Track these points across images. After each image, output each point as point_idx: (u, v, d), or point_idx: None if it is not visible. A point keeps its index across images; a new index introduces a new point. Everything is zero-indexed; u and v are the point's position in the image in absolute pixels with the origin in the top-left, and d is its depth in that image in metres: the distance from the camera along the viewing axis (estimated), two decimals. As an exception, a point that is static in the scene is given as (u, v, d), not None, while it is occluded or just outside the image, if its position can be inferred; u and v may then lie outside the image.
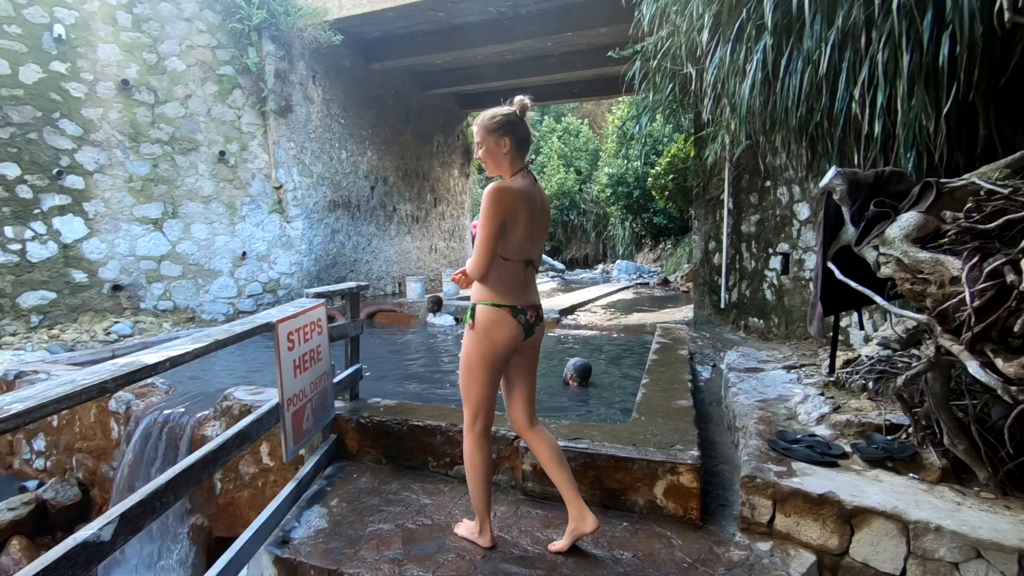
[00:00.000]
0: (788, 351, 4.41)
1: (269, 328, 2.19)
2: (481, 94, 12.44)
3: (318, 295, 2.77)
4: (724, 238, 5.56)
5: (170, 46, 7.16)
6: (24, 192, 6.10)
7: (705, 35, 3.91)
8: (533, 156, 27.30)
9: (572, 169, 22.92)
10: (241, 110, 7.72)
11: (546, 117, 27.58)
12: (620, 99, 18.72)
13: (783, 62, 3.41)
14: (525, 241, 2.05)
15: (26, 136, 6.12)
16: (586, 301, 8.15)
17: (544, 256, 17.16)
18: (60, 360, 4.48)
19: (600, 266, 19.19)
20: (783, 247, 4.89)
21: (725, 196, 5.53)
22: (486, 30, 8.57)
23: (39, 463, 3.96)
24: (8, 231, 5.98)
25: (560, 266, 17.07)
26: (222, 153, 7.50)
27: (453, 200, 13.28)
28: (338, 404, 3.00)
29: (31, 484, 3.81)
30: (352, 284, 3.09)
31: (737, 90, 3.68)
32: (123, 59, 6.80)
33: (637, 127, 6.08)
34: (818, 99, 3.34)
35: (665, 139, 15.70)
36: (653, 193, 12.33)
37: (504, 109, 2.10)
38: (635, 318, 6.84)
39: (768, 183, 5.04)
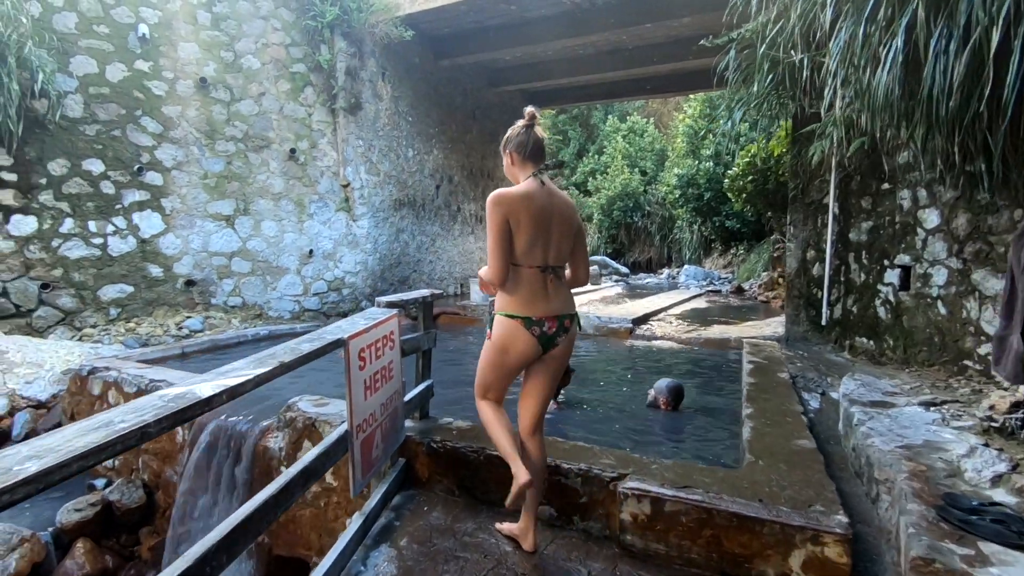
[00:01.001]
0: (910, 379, 3.81)
1: (340, 345, 1.92)
2: (550, 91, 12.10)
3: (390, 304, 2.49)
4: (827, 247, 4.96)
5: (246, 44, 7.21)
6: (107, 188, 6.25)
7: (828, 13, 3.39)
8: (596, 155, 26.81)
9: (637, 169, 22.19)
10: (312, 108, 7.70)
11: (611, 116, 26.92)
12: (692, 97, 17.90)
13: (931, 42, 2.87)
14: (534, 245, 2.03)
15: (111, 133, 6.27)
16: (659, 310, 7.65)
17: (607, 259, 16.60)
18: (132, 356, 4.47)
19: (665, 271, 18.42)
20: (903, 259, 4.27)
21: (830, 200, 4.93)
22: (558, 23, 8.21)
23: (108, 461, 3.92)
24: (92, 225, 6.14)
25: (624, 270, 16.47)
26: (292, 151, 7.50)
27: (517, 200, 13.01)
28: (407, 424, 2.73)
29: (99, 483, 3.76)
30: (426, 292, 2.80)
31: (869, 76, 3.15)
32: (202, 57, 6.88)
33: (728, 123, 5.54)
34: (976, 85, 2.78)
35: (742, 138, 14.84)
36: (728, 195, 11.58)
37: (511, 131, 2.19)
38: (716, 331, 6.30)
39: (886, 185, 4.42)
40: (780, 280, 10.01)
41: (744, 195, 10.81)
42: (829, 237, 4.93)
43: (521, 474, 1.92)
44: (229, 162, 7.06)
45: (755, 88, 4.84)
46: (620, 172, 21.34)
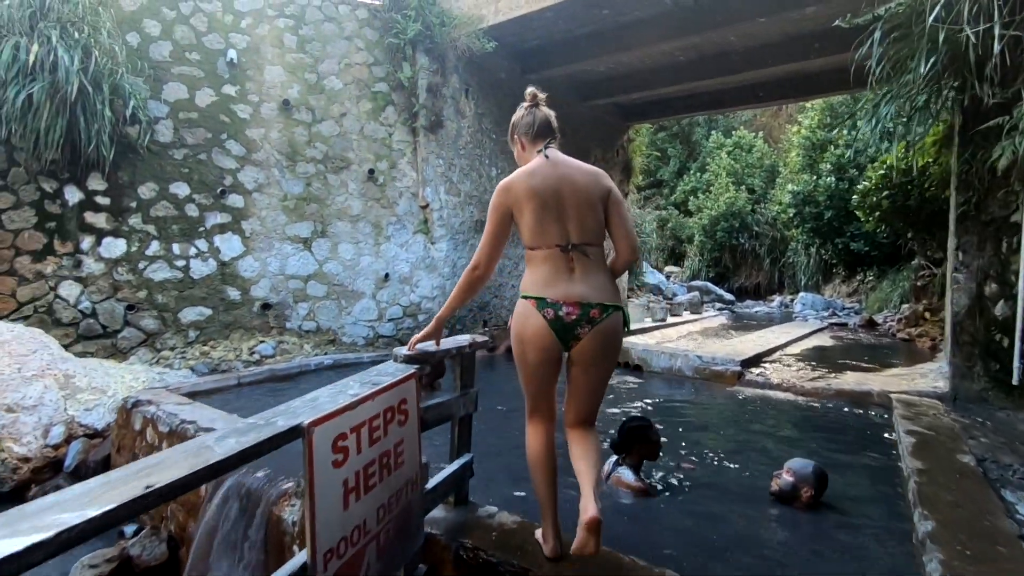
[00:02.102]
0: None
1: (297, 435, 1.30)
2: (646, 103, 11.23)
3: (410, 360, 1.85)
4: (1020, 280, 3.72)
5: (329, 65, 7.12)
6: (191, 210, 6.29)
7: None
8: (698, 173, 25.12)
9: (743, 187, 20.48)
10: (393, 127, 7.46)
11: (714, 132, 25.30)
12: (809, 105, 16.15)
13: None
14: (544, 223, 1.86)
15: (197, 157, 6.33)
16: (773, 348, 6.48)
17: (709, 285, 15.20)
18: (183, 388, 4.23)
19: (777, 298, 16.59)
20: None
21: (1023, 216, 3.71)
22: (657, 26, 7.42)
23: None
24: (176, 248, 6.18)
25: (729, 297, 14.97)
26: (371, 171, 7.27)
27: (609, 221, 12.14)
28: (435, 514, 2.06)
29: (129, 529, 3.45)
30: (466, 340, 2.15)
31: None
32: (287, 80, 6.85)
33: (870, 123, 4.45)
34: None
35: (870, 149, 13.01)
36: (857, 213, 10.00)
37: (518, 110, 2.12)
38: (850, 379, 5.10)
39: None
40: (927, 315, 8.34)
41: (878, 213, 9.24)
42: (1022, 266, 3.70)
43: (549, 545, 1.75)
44: (308, 184, 6.94)
45: (911, 75, 3.77)
46: (724, 190, 19.77)
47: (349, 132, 7.17)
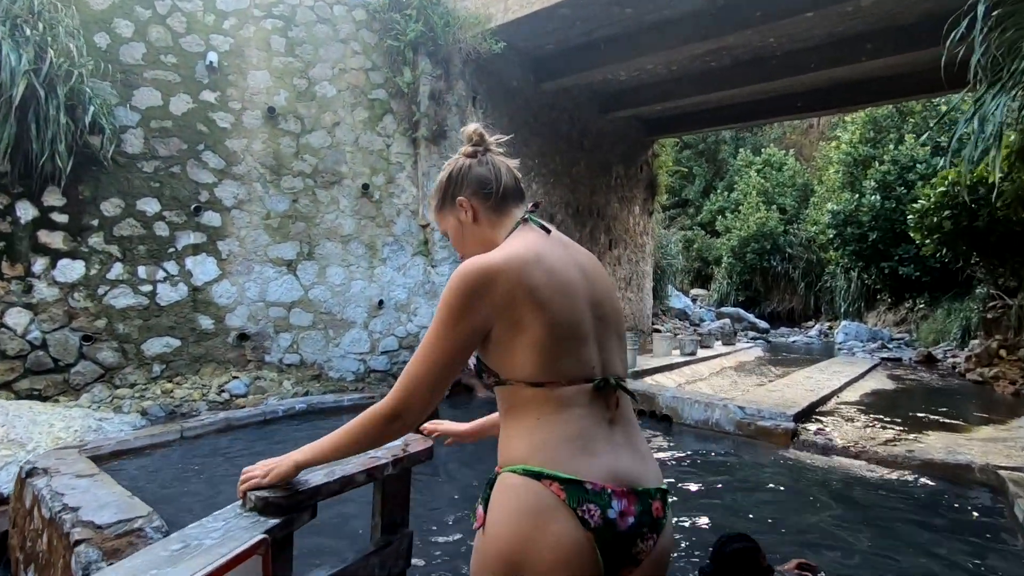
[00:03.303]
0: None
1: None
2: (672, 116, 10.39)
3: (269, 507, 1.01)
4: None
5: (322, 70, 6.46)
6: (161, 229, 5.61)
7: None
8: (726, 192, 24.02)
9: (775, 207, 19.40)
10: (391, 138, 6.75)
11: (742, 149, 24.31)
12: (848, 119, 15.13)
13: None
14: (561, 342, 1.00)
15: (170, 170, 5.67)
16: (827, 395, 5.48)
17: (741, 311, 14.11)
18: (104, 447, 3.44)
19: (816, 326, 15.39)
20: None
21: None
22: (685, 25, 6.62)
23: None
24: (142, 271, 5.49)
25: (763, 325, 13.85)
26: (366, 187, 6.54)
27: (632, 242, 11.28)
28: None
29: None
30: (384, 457, 1.28)
31: None
32: (273, 85, 6.20)
33: (970, 123, 3.54)
34: None
35: (919, 165, 11.94)
36: (912, 235, 8.94)
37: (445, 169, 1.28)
38: (935, 443, 4.10)
39: None
40: (1003, 352, 7.23)
41: (938, 236, 8.19)
42: None
43: None
44: (295, 200, 6.23)
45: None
46: (755, 210, 18.72)
47: (342, 143, 6.47)
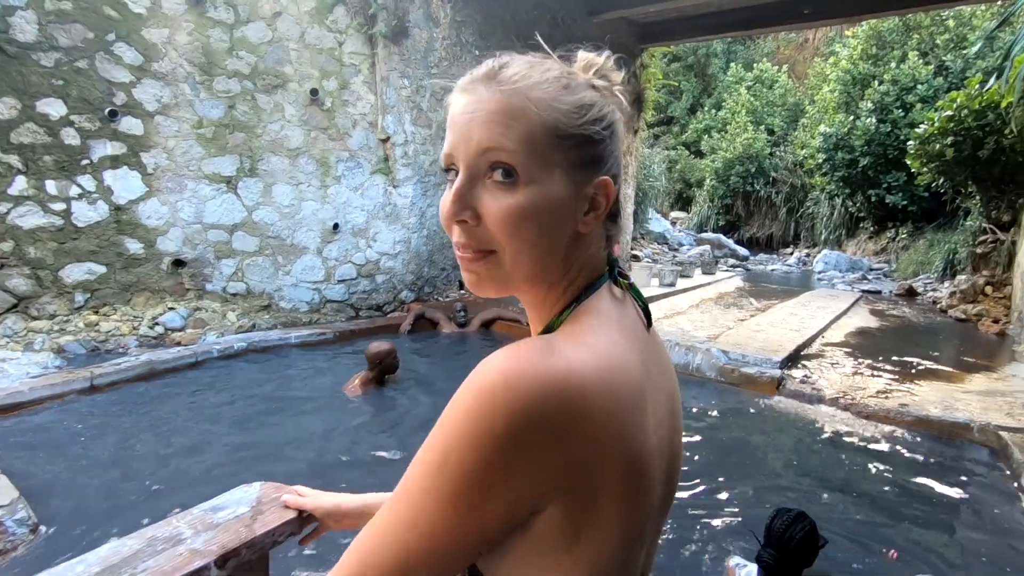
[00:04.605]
0: None
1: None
2: (666, 21, 9.40)
3: None
4: None
5: (257, -55, 5.40)
6: (70, 137, 4.79)
7: None
8: (713, 110, 22.95)
9: (763, 127, 18.59)
10: (343, 34, 5.81)
11: (733, 64, 23.00)
12: (849, 33, 14.13)
13: None
14: (629, 550, 0.53)
15: (74, 64, 4.76)
16: (812, 336, 5.17)
17: (722, 237, 13.75)
18: (-12, 400, 2.91)
19: (794, 253, 15.19)
20: None
21: None
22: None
23: None
24: (51, 186, 4.73)
25: (743, 252, 13.55)
26: (315, 92, 5.70)
27: (614, 162, 10.55)
28: None
29: None
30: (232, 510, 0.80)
31: None
32: (196, -38, 5.16)
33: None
34: None
35: (920, 86, 11.23)
36: (909, 163, 8.44)
37: (575, 71, 0.60)
38: (927, 394, 3.83)
39: None
40: (988, 289, 7.01)
41: (937, 163, 7.71)
42: None
43: None
44: (231, 106, 5.39)
45: None
46: (743, 130, 17.93)
47: (285, 39, 5.54)
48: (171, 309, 5.14)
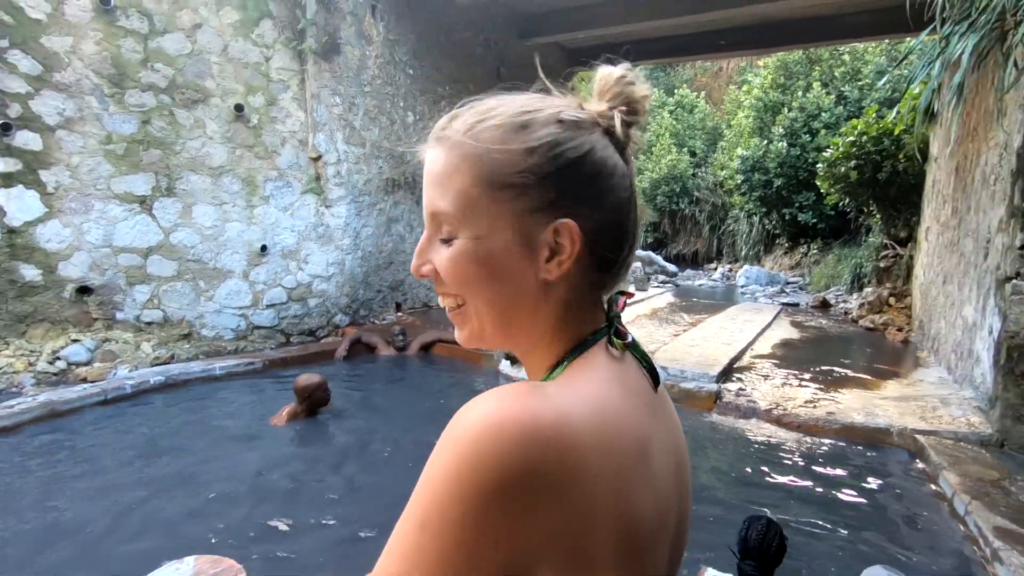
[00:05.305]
0: None
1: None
2: (594, 47, 9.69)
3: None
4: None
5: (175, -47, 5.11)
6: (-47, 152, 4.29)
7: None
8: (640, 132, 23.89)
9: (685, 149, 19.57)
10: (271, 49, 5.59)
11: (655, 90, 24.16)
12: (761, 63, 15.20)
13: None
14: None
15: (-41, 72, 4.29)
16: (743, 349, 5.40)
17: (652, 254, 14.26)
18: None
19: (718, 268, 15.96)
20: None
21: None
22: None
23: None
24: (-71, 207, 4.21)
25: (672, 268, 14.09)
26: (239, 108, 5.42)
27: (548, 182, 10.74)
28: None
29: None
30: None
31: None
32: (106, -32, 4.81)
33: (928, 69, 3.22)
34: None
35: (824, 113, 12.20)
36: (819, 183, 9.11)
37: (546, 107, 0.54)
38: (851, 401, 4.06)
39: None
40: (892, 300, 7.61)
41: (842, 185, 8.35)
42: None
43: None
44: (146, 121, 5.02)
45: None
46: (667, 152, 18.78)
47: (206, 51, 5.25)
48: (75, 341, 4.66)
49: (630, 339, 0.56)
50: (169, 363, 4.86)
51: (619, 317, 0.57)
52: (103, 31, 4.81)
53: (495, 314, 0.54)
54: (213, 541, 2.37)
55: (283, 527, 2.51)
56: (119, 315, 4.98)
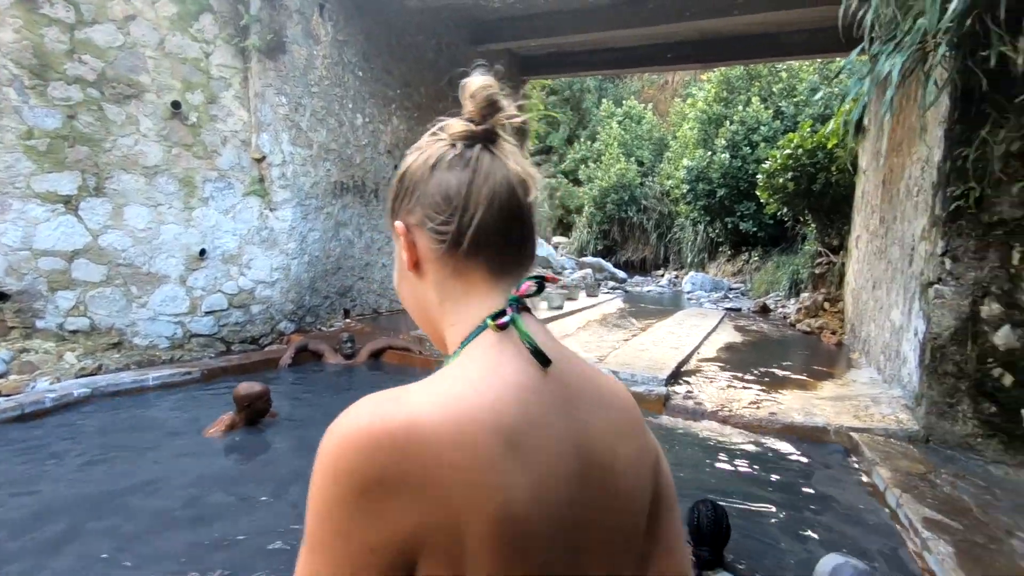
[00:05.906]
0: None
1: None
2: (546, 56, 9.84)
3: None
4: (1038, 302, 2.90)
5: (105, -61, 4.83)
6: None
7: None
8: (588, 141, 24.49)
9: (633, 159, 20.07)
10: (211, 44, 5.36)
11: (605, 100, 24.70)
12: (705, 77, 15.80)
13: None
14: None
15: None
16: (690, 353, 5.55)
17: (603, 261, 14.51)
18: None
19: (665, 275, 16.40)
20: None
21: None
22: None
23: None
24: None
25: (622, 275, 14.38)
26: (177, 105, 5.16)
27: (500, 188, 10.75)
28: None
29: None
30: None
31: None
32: (27, -49, 4.49)
33: (859, 88, 3.42)
34: None
35: (763, 127, 12.79)
36: (759, 194, 9.52)
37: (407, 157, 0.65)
38: (791, 402, 4.23)
39: None
40: (826, 305, 8.01)
41: (780, 195, 8.76)
42: (1043, 286, 2.86)
43: None
44: (72, 116, 4.71)
45: (929, 20, 2.71)
46: (616, 161, 19.19)
47: (140, 44, 4.98)
48: (-13, 352, 4.29)
49: (504, 320, 0.55)
50: (96, 374, 4.55)
51: (520, 300, 0.58)
52: (23, 18, 4.48)
53: (410, 308, 0.67)
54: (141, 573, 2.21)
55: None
56: (39, 323, 4.62)
